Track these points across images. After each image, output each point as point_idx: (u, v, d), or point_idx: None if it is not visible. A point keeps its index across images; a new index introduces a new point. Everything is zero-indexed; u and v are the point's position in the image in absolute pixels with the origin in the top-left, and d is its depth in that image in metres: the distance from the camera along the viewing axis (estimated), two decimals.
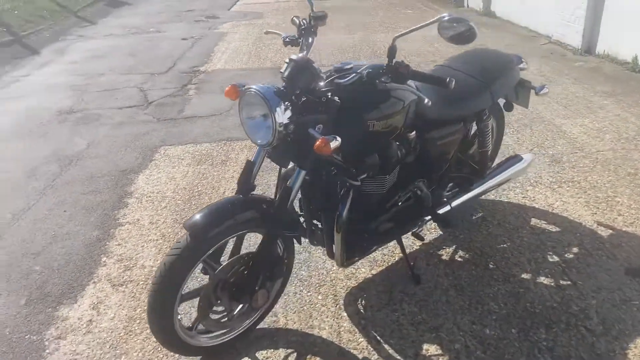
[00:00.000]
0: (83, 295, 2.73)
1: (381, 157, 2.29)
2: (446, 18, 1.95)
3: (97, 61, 7.64)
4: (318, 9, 2.45)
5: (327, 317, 2.49)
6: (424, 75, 2.03)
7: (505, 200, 3.43)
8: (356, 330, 2.41)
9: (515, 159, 3.16)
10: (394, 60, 2.04)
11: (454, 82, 1.96)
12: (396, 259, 2.88)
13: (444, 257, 2.89)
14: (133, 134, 4.88)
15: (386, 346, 2.30)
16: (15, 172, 4.17)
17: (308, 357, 2.27)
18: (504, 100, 3.22)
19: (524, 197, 3.44)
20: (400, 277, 2.74)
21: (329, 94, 2.04)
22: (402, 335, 2.36)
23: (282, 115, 1.91)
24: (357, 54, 7.29)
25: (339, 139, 1.89)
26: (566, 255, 2.85)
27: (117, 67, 7.22)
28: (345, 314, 2.51)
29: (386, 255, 2.92)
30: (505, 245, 2.96)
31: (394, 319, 2.46)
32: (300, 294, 2.65)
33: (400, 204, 2.56)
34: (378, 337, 2.35)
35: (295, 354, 2.29)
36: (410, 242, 3.00)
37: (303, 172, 2.09)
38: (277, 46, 7.84)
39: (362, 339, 2.35)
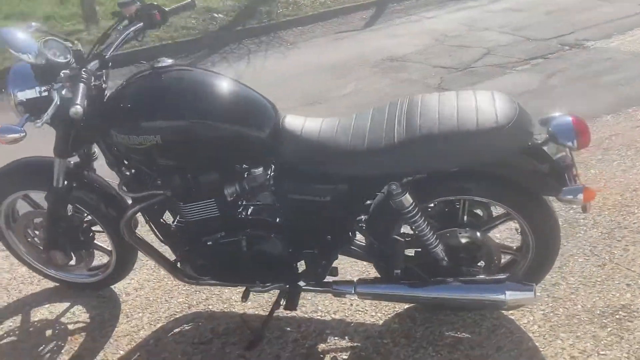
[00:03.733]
0: None
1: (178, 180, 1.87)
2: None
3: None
4: None
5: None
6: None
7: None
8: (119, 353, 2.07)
9: (498, 287, 1.87)
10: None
11: (77, 111, 1.57)
12: (295, 312, 2.17)
13: (327, 344, 2.04)
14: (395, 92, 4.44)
15: None
16: None
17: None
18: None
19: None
20: (259, 329, 2.09)
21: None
22: None
23: (21, 94, 1.83)
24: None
25: (21, 132, 1.69)
26: None
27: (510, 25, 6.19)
28: (143, 334, 2.13)
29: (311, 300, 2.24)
30: None
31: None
32: (171, 301, 2.32)
33: (220, 244, 1.96)
34: None
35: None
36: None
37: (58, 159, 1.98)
38: None
39: None
